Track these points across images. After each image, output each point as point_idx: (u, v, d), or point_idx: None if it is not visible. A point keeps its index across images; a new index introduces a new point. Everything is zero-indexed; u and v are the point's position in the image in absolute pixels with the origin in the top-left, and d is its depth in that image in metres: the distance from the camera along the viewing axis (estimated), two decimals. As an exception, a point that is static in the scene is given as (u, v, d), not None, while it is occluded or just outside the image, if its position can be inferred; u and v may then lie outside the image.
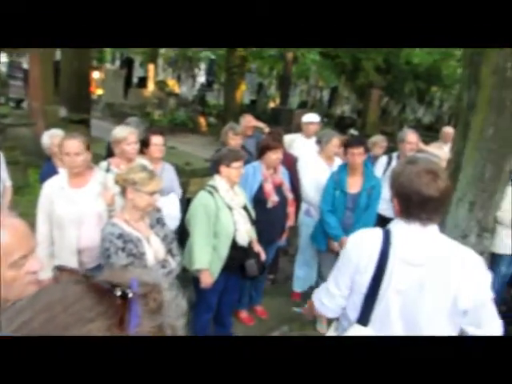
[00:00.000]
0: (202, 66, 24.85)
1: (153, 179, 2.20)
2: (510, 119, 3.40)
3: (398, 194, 1.46)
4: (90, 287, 0.53)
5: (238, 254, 2.85)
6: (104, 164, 3.00)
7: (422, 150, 4.03)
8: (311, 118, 4.70)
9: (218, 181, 2.84)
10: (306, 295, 4.01)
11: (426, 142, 5.38)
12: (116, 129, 3.07)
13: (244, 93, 15.62)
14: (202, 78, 22.37)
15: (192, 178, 5.14)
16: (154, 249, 2.26)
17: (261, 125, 4.82)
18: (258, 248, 3.00)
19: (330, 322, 1.99)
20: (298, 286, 4.00)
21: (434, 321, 1.42)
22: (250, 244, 2.93)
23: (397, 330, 1.45)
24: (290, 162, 4.07)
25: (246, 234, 2.85)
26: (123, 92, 14.24)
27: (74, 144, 2.56)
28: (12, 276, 1.09)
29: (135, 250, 2.18)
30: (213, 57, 19.57)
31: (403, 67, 17.66)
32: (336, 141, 3.60)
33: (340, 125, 13.65)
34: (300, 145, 4.51)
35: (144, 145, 3.23)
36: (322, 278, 3.49)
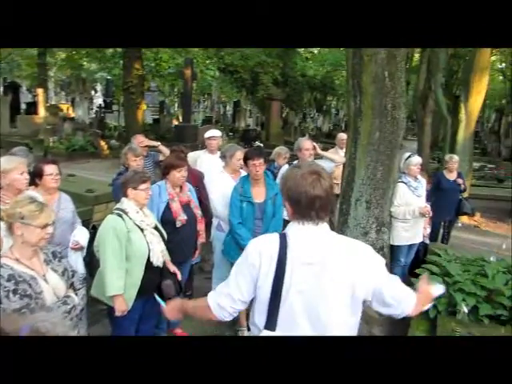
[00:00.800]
0: (99, 87, 23.87)
1: (43, 211, 2.02)
2: (392, 123, 3.76)
3: (288, 197, 1.52)
4: None
5: (153, 276, 2.75)
6: None
7: (319, 155, 4.27)
8: (212, 133, 4.73)
9: (126, 203, 2.73)
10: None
11: (327, 148, 5.73)
12: (2, 159, 2.80)
13: (145, 112, 15.28)
14: (99, 100, 21.44)
15: (96, 204, 4.87)
16: (51, 286, 2.07)
17: (154, 143, 4.75)
18: (173, 268, 2.93)
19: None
20: None
21: (337, 315, 1.48)
22: (164, 264, 2.86)
23: (303, 328, 1.49)
24: (197, 179, 4.05)
25: (160, 254, 2.77)
26: (10, 120, 13.05)
27: None
28: None
29: (30, 290, 1.97)
30: (109, 77, 18.90)
31: (299, 79, 18.72)
32: (240, 154, 3.66)
33: (245, 138, 13.96)
34: (205, 160, 4.52)
35: (36, 176, 2.99)
36: None
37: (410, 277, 4.00)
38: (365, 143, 3.79)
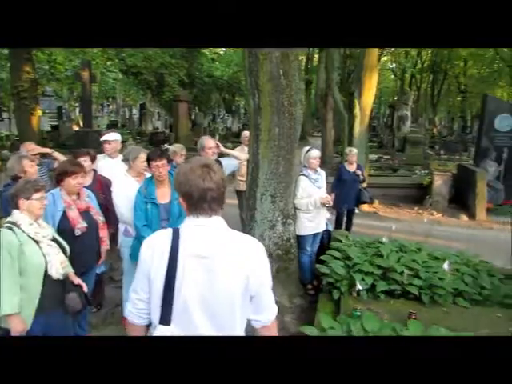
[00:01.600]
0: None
1: None
2: (290, 119, 3.95)
3: (181, 192, 1.54)
4: None
5: (54, 290, 2.58)
6: None
7: (223, 153, 4.34)
8: (106, 136, 4.52)
9: (17, 216, 2.53)
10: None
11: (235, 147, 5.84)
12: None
13: (42, 119, 14.19)
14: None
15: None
16: None
17: (47, 150, 4.47)
18: (77, 280, 2.76)
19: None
20: None
21: (230, 308, 1.52)
22: (67, 277, 2.68)
23: (199, 322, 1.51)
24: (103, 185, 3.89)
25: (59, 266, 2.59)
26: None
27: None
28: None
29: None
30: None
31: (206, 80, 18.74)
32: (143, 156, 3.57)
33: (153, 141, 13.62)
34: (104, 165, 4.33)
35: None
36: None
37: (316, 264, 4.26)
38: (266, 139, 3.93)
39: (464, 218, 8.55)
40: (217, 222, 1.54)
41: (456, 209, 9.11)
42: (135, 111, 23.42)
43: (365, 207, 8.14)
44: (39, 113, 11.96)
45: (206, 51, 20.54)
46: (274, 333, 1.69)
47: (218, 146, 4.12)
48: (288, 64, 3.85)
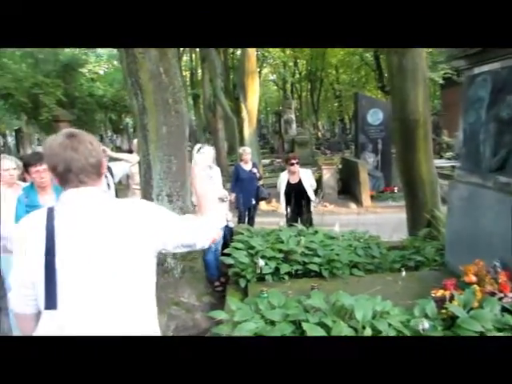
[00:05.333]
0: None
1: None
2: (177, 117, 3.92)
3: (47, 165, 1.46)
4: None
5: None
6: None
7: (111, 157, 4.18)
8: None
9: None
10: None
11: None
12: None
13: None
14: None
15: None
16: None
17: None
18: None
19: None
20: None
21: (127, 274, 1.44)
22: None
23: (93, 299, 1.40)
24: None
25: None
26: None
27: None
28: None
29: None
30: None
31: (88, 100, 17.80)
32: (7, 163, 3.21)
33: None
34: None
35: None
36: None
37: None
38: (155, 139, 3.85)
39: (353, 205, 9.31)
40: (89, 194, 1.45)
41: (345, 199, 9.89)
42: (10, 138, 21.30)
43: (264, 206, 8.41)
44: None
45: (85, 71, 19.55)
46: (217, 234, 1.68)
47: (105, 151, 3.93)
48: (167, 62, 3.83)
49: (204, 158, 4.41)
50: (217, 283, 4.37)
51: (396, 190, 9.87)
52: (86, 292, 1.39)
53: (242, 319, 2.58)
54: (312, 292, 2.97)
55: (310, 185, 5.74)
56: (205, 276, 4.31)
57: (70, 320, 1.39)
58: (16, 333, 3.47)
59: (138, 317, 1.48)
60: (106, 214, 1.44)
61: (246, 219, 6.17)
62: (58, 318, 1.38)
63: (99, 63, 23.46)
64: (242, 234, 4.34)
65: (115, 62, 24.20)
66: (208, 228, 1.62)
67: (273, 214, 8.63)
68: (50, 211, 1.44)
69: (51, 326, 1.38)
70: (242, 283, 3.58)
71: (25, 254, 1.43)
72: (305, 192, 5.68)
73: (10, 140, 21.92)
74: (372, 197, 9.69)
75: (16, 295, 1.49)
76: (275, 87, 36.13)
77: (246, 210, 6.06)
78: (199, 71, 20.96)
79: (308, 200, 5.73)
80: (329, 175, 9.57)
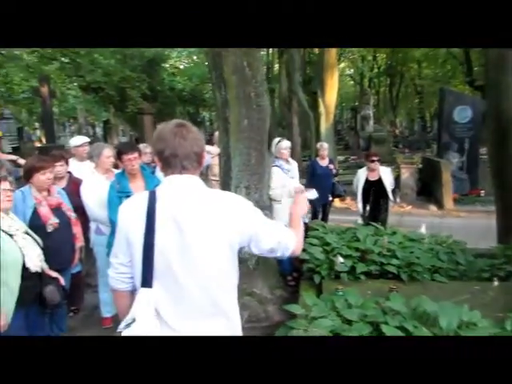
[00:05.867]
0: None
1: None
2: (258, 111, 3.95)
3: (155, 150, 1.53)
4: None
5: (32, 283, 2.52)
6: None
7: None
8: (80, 139, 4.47)
9: None
10: (118, 318, 3.74)
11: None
12: None
13: (2, 141, 13.70)
14: None
15: None
16: None
17: (12, 157, 4.37)
18: (54, 273, 2.70)
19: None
20: (107, 311, 3.70)
21: (211, 268, 1.48)
22: (43, 270, 2.62)
23: (182, 283, 1.46)
24: (77, 186, 3.76)
25: (36, 258, 2.52)
26: None
27: None
28: None
29: None
30: None
31: (169, 93, 18.67)
32: (108, 151, 3.52)
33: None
34: (74, 169, 4.22)
35: None
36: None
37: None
38: (235, 131, 3.92)
39: (433, 208, 8.80)
40: (190, 181, 1.52)
41: (424, 200, 9.37)
42: (98, 129, 23.01)
43: (337, 203, 8.25)
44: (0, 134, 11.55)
45: (166, 65, 20.49)
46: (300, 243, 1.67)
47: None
48: (252, 55, 3.87)
49: None
50: (289, 278, 4.37)
51: (483, 193, 9.16)
52: (178, 274, 1.45)
53: (318, 315, 2.55)
54: (391, 294, 2.85)
55: (389, 183, 5.51)
56: (278, 269, 4.32)
57: (162, 300, 1.47)
58: (105, 309, 3.74)
59: (222, 303, 1.53)
60: (204, 201, 1.49)
61: (320, 215, 6.08)
62: (151, 297, 1.45)
63: (180, 58, 24.50)
64: (317, 229, 4.28)
65: (195, 57, 25.11)
66: (291, 241, 1.61)
67: (346, 211, 8.43)
68: (152, 194, 1.51)
69: (144, 304, 1.46)
70: (317, 279, 3.54)
71: (125, 235, 1.52)
72: (384, 191, 5.47)
73: (99, 131, 23.66)
74: (455, 200, 9.08)
75: (114, 273, 1.60)
76: (352, 82, 35.17)
77: (320, 206, 5.97)
78: (275, 66, 21.01)
79: (386, 199, 5.51)
80: (408, 174, 9.12)
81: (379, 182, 5.51)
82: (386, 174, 5.56)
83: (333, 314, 2.59)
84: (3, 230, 2.44)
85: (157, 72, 17.73)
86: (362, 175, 5.66)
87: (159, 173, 4.25)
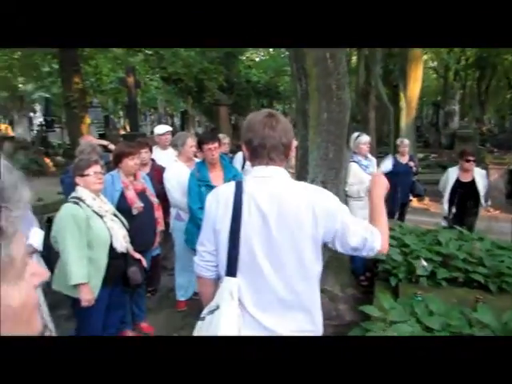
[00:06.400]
0: (38, 107, 22.90)
1: None
2: (338, 103, 3.83)
3: (244, 139, 1.54)
4: None
5: (118, 263, 2.69)
6: None
7: None
8: (163, 128, 4.67)
9: (80, 191, 2.63)
10: (191, 302, 3.90)
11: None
12: None
13: (90, 128, 14.80)
14: (39, 120, 20.57)
15: (45, 213, 4.70)
16: None
17: (103, 142, 4.65)
18: (137, 255, 2.87)
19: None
20: (182, 295, 3.86)
21: (295, 260, 1.47)
22: (128, 251, 2.79)
23: (266, 273, 1.46)
24: (159, 173, 3.96)
25: (122, 240, 2.69)
26: None
27: None
28: None
29: None
30: (47, 96, 18.19)
31: (245, 85, 18.90)
32: (191, 141, 3.65)
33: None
34: (157, 156, 4.42)
35: None
36: None
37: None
38: (314, 125, 3.84)
39: (524, 213, 8.03)
40: (276, 172, 1.50)
41: (514, 204, 8.59)
42: (176, 119, 23.98)
43: (415, 203, 7.83)
44: (88, 121, 12.49)
45: (243, 58, 20.74)
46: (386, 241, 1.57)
47: None
48: (335, 47, 3.75)
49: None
50: (362, 277, 4.24)
51: None
52: (261, 265, 1.46)
53: (396, 320, 2.43)
54: (478, 305, 2.64)
55: (483, 187, 5.05)
56: (350, 268, 4.20)
57: (244, 290, 1.48)
58: (180, 292, 3.89)
59: (303, 297, 1.51)
60: (289, 194, 1.48)
61: (397, 215, 5.81)
62: (234, 286, 1.47)
63: (256, 51, 24.66)
64: (394, 229, 4.08)
65: (270, 50, 25.14)
66: (377, 240, 1.53)
67: (424, 212, 8.00)
68: (239, 185, 1.53)
69: (227, 292, 1.48)
70: (393, 281, 3.38)
71: (212, 224, 1.54)
72: (475, 194, 5.01)
73: (176, 121, 24.68)
74: (550, 206, 8.22)
75: (200, 260, 1.63)
76: (434, 75, 33.10)
77: (399, 205, 5.69)
78: (353, 58, 20.41)
79: (477, 203, 5.07)
80: (497, 176, 8.39)
81: (472, 184, 5.05)
82: (481, 177, 5.10)
83: (412, 320, 2.46)
84: (94, 211, 2.61)
85: (234, 64, 18.02)
86: (452, 175, 5.24)
87: (236, 163, 4.34)
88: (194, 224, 3.28)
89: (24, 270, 0.49)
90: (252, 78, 20.08)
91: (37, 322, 0.53)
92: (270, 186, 1.49)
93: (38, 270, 0.51)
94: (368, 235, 1.51)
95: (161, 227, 3.41)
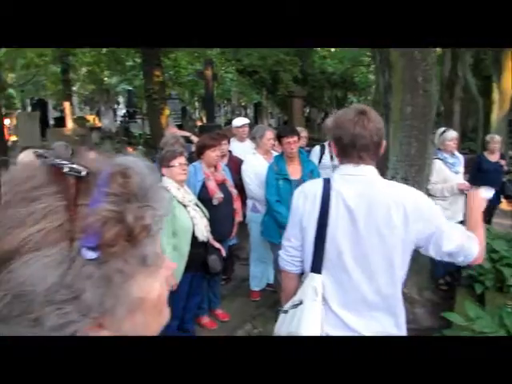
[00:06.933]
0: (121, 99, 24.41)
1: None
2: (424, 96, 3.63)
3: (333, 136, 1.52)
4: (45, 167, 0.47)
5: (199, 251, 2.81)
6: None
7: None
8: (242, 121, 4.73)
9: (165, 181, 2.78)
10: (265, 293, 3.96)
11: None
12: (21, 155, 2.89)
13: (169, 119, 15.49)
14: (122, 111, 21.95)
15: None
16: None
17: (186, 133, 4.82)
18: (217, 244, 2.98)
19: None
20: (256, 285, 3.93)
21: (383, 260, 1.42)
22: (208, 240, 2.91)
23: (351, 272, 1.44)
24: (237, 165, 4.06)
25: (204, 229, 2.82)
26: (40, 134, 13.46)
27: None
28: None
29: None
30: (130, 88, 19.30)
31: (319, 76, 18.60)
32: (269, 134, 3.69)
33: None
34: (234, 149, 4.51)
35: None
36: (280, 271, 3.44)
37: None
38: (397, 119, 3.68)
39: None
40: (366, 171, 1.46)
41: None
42: (249, 111, 24.29)
43: (504, 206, 7.22)
44: (167, 112, 13.07)
45: (318, 48, 20.38)
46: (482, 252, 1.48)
47: None
48: (424, 36, 3.54)
49: None
50: (441, 281, 4.01)
51: None
52: (347, 264, 1.43)
53: (483, 330, 2.27)
54: None
55: None
56: (429, 271, 4.00)
57: (329, 287, 1.47)
58: (254, 282, 3.95)
59: (388, 298, 1.46)
60: (380, 194, 1.43)
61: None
62: (319, 283, 1.46)
63: (332, 41, 24.04)
64: (481, 233, 3.81)
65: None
66: (475, 246, 1.44)
67: (512, 215, 7.34)
68: (327, 182, 1.51)
69: (311, 288, 1.47)
70: (478, 289, 3.16)
71: (299, 219, 1.55)
72: None
73: (249, 112, 24.98)
74: None
75: (285, 255, 1.64)
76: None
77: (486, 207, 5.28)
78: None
79: None
80: None
81: None
82: None
83: (501, 332, 2.28)
84: (178, 201, 2.73)
85: (308, 55, 17.79)
86: None
87: (313, 157, 4.29)
88: (271, 216, 3.31)
89: (162, 264, 0.52)
90: (327, 69, 19.69)
91: (167, 312, 0.55)
92: (359, 185, 1.45)
93: (168, 262, 0.54)
94: (465, 240, 1.42)
95: (239, 218, 3.48)
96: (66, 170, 0.45)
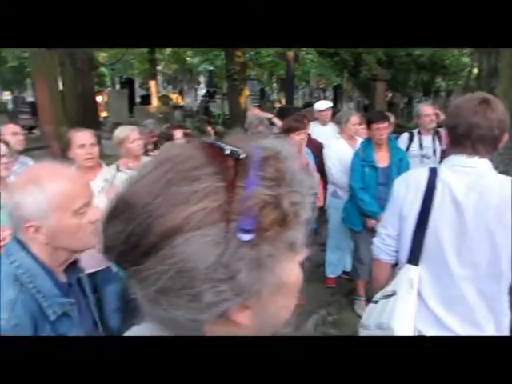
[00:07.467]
0: (202, 78, 25.11)
1: None
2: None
3: (447, 124, 1.43)
4: (203, 147, 0.49)
5: None
6: (113, 165, 2.97)
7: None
8: (325, 104, 4.66)
9: None
10: (340, 280, 3.92)
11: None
12: (117, 130, 3.05)
13: (247, 100, 15.67)
14: (202, 91, 22.59)
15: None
16: None
17: (268, 115, 4.82)
18: None
19: (368, 302, 1.92)
20: (331, 272, 3.90)
21: (488, 260, 1.32)
22: None
23: (450, 265, 1.35)
24: (317, 148, 4.01)
25: None
26: (128, 111, 14.34)
27: (88, 135, 2.57)
28: (76, 224, 1.12)
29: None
30: (211, 68, 19.74)
31: (405, 59, 17.58)
32: (355, 119, 3.59)
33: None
34: (315, 132, 4.44)
35: (168, 139, 3.46)
36: (359, 259, 3.37)
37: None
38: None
39: None
40: (479, 164, 1.35)
41: None
42: (328, 93, 23.76)
43: None
44: (246, 93, 13.23)
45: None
46: None
47: (433, 114, 3.82)
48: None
49: None
50: None
51: None
52: (448, 259, 1.37)
53: None
54: None
55: None
56: None
57: (425, 281, 1.41)
58: (329, 269, 3.92)
59: (491, 302, 1.37)
60: (492, 188, 1.34)
61: None
62: (415, 275, 1.41)
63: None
64: None
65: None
66: None
67: None
68: (433, 172, 1.44)
69: (407, 280, 1.42)
70: None
71: (399, 208, 1.49)
72: None
73: (328, 95, 24.46)
74: None
75: (380, 243, 1.59)
76: None
77: None
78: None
79: None
80: None
81: None
82: None
83: None
84: None
85: (395, 36, 16.86)
86: None
87: (401, 144, 4.09)
88: (354, 204, 3.23)
89: (302, 250, 0.52)
90: (414, 51, 18.55)
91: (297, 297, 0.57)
92: (470, 177, 1.36)
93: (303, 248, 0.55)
94: None
95: (320, 203, 3.45)
96: (227, 151, 0.46)
